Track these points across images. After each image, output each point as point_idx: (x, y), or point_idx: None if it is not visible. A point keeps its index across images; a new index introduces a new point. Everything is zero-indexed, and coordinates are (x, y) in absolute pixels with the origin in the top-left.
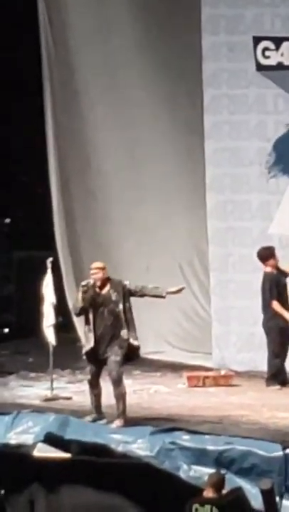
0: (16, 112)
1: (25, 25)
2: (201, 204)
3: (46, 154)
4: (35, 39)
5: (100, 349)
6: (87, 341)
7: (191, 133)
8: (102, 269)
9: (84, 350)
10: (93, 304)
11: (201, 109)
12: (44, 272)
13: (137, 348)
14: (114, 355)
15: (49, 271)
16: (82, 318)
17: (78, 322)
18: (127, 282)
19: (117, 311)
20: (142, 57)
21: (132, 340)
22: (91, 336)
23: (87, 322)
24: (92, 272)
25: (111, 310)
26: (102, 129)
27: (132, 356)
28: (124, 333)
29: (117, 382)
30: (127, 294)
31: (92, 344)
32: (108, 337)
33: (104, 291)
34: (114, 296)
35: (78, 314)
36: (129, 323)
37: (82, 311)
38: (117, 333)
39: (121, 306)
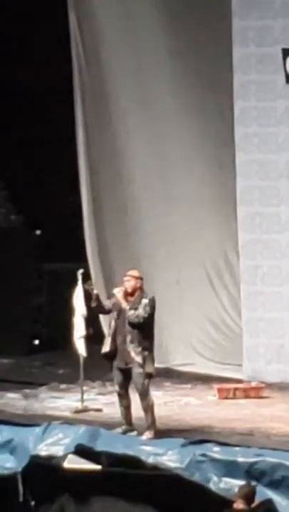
0: (47, 123)
1: (56, 38)
2: (231, 216)
3: (77, 166)
4: (67, 51)
5: (120, 357)
6: (104, 345)
7: (221, 145)
8: (136, 278)
9: (101, 352)
10: (117, 311)
11: (230, 121)
12: (75, 283)
13: (150, 374)
14: (137, 367)
15: (80, 282)
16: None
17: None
18: (149, 299)
19: (137, 324)
20: (172, 68)
21: (146, 368)
22: (108, 340)
23: (110, 326)
24: (125, 278)
25: (131, 321)
26: (132, 140)
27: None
28: (137, 352)
29: (143, 395)
30: (151, 309)
31: (107, 349)
32: (127, 346)
33: (130, 300)
34: (137, 308)
35: (94, 308)
36: (146, 343)
37: (96, 310)
38: (134, 343)
39: (142, 320)
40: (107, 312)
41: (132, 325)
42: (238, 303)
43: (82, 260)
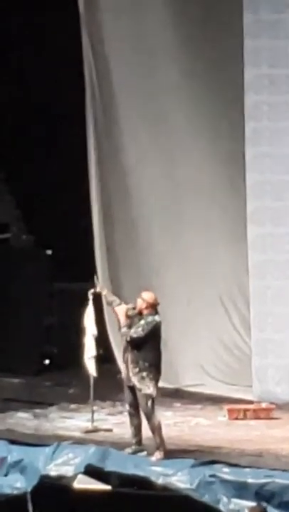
0: (59, 141)
1: (69, 55)
2: (243, 237)
3: (88, 185)
4: (79, 70)
5: (127, 376)
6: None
7: (232, 164)
8: (143, 299)
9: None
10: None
11: (242, 141)
12: (85, 303)
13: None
14: (142, 388)
15: (90, 302)
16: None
17: (119, 354)
18: (147, 321)
19: (131, 343)
20: (185, 88)
21: (143, 390)
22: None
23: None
24: (138, 298)
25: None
26: (144, 160)
27: None
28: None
29: (148, 416)
30: (147, 331)
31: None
32: (131, 365)
33: (136, 319)
34: (137, 328)
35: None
36: (145, 365)
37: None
38: (132, 364)
39: (128, 339)
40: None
41: (130, 345)
42: (249, 324)
43: (93, 280)
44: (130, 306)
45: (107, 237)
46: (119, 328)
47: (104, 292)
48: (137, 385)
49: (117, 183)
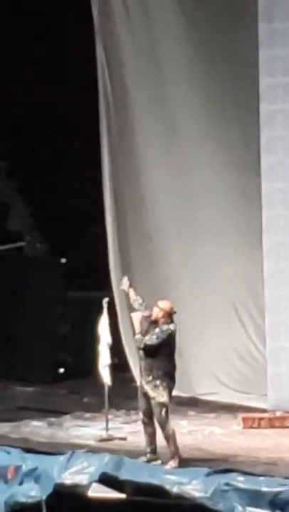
0: (72, 152)
1: (83, 66)
2: (257, 245)
3: (102, 194)
4: (93, 81)
5: (141, 383)
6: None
7: (246, 173)
8: (160, 308)
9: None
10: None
11: (256, 150)
12: (100, 312)
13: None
14: (155, 397)
15: (105, 311)
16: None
17: (133, 363)
18: (162, 329)
19: (144, 350)
20: (198, 97)
21: (156, 398)
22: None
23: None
24: (154, 306)
25: (136, 345)
26: (157, 169)
27: None
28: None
29: (161, 424)
30: (161, 339)
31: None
32: (146, 373)
33: (152, 327)
34: (152, 335)
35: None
36: (159, 373)
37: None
38: (146, 371)
39: (142, 346)
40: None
41: (144, 352)
42: (263, 332)
43: (107, 289)
44: (146, 313)
45: (120, 246)
46: (134, 334)
47: (127, 289)
48: (151, 393)
49: (130, 191)
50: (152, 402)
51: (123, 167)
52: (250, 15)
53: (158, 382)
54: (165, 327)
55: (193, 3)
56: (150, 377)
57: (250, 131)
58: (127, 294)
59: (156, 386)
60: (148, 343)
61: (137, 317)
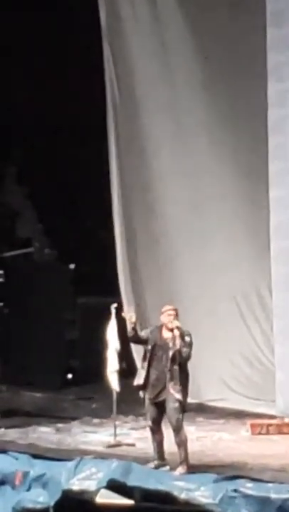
0: (81, 158)
1: (91, 70)
2: (264, 251)
3: (111, 200)
4: (101, 85)
5: (154, 392)
6: (138, 377)
7: (255, 179)
8: (174, 310)
9: (134, 383)
10: (153, 345)
11: (264, 156)
12: (108, 317)
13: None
14: (172, 402)
15: (113, 317)
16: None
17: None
18: (190, 336)
19: (177, 359)
20: (206, 103)
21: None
22: (142, 373)
23: (144, 359)
24: (168, 313)
25: (171, 356)
26: (166, 175)
27: None
28: (177, 389)
29: (177, 430)
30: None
31: (141, 381)
32: (164, 382)
33: (169, 335)
34: (178, 344)
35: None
36: (183, 378)
37: (132, 339)
38: (174, 380)
39: (181, 356)
40: (143, 342)
41: (174, 361)
42: (270, 338)
43: (115, 294)
44: (148, 330)
45: (129, 252)
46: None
47: (132, 319)
48: (179, 399)
49: (139, 198)
50: (173, 406)
51: (131, 173)
52: (260, 20)
53: (182, 387)
54: (187, 338)
55: (201, 9)
56: (179, 385)
57: (259, 137)
58: (131, 324)
59: (180, 391)
60: (186, 355)
61: (161, 328)
